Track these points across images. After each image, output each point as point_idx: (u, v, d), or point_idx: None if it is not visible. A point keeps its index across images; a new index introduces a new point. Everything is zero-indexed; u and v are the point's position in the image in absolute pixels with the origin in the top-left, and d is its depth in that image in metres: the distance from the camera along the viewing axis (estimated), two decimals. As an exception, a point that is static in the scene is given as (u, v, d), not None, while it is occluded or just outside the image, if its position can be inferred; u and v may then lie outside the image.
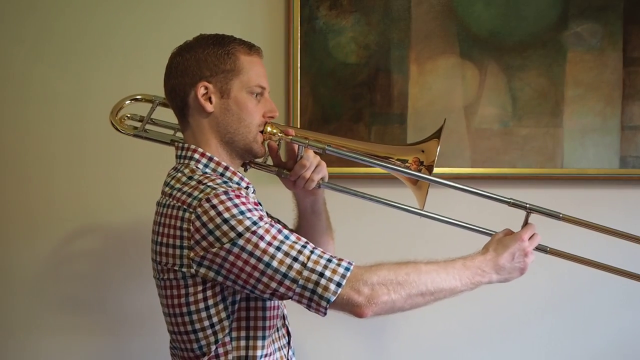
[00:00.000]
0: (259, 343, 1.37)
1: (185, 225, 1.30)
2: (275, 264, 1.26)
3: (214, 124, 1.42)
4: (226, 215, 1.27)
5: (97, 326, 2.13)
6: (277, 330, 1.45)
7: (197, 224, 1.28)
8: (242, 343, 1.36)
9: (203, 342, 1.36)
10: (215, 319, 1.34)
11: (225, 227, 1.27)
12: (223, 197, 1.29)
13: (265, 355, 1.39)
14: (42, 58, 2.08)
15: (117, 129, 1.65)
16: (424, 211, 1.52)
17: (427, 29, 2.04)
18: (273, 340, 1.42)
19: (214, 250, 1.28)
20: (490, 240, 1.46)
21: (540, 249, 1.51)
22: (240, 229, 1.27)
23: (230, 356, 1.35)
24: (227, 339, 1.35)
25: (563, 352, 2.11)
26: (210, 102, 1.41)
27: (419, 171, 1.48)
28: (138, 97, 1.70)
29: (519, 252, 1.42)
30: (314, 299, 1.26)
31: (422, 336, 2.11)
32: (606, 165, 2.05)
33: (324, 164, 1.52)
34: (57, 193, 2.10)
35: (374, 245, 2.07)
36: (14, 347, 2.13)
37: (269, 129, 1.45)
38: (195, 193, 1.31)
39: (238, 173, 1.44)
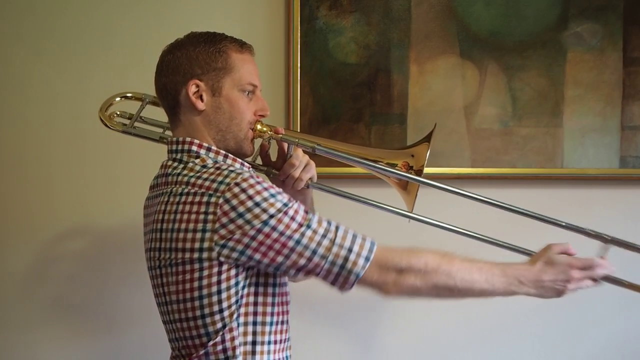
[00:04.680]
0: (267, 328, 1.38)
1: (211, 209, 1.30)
2: (305, 240, 1.30)
3: (206, 121, 1.42)
4: (257, 198, 1.29)
5: (93, 325, 2.12)
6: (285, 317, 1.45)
7: (226, 207, 1.29)
8: (250, 328, 1.36)
9: (210, 329, 1.35)
10: (225, 304, 1.34)
11: (257, 210, 1.28)
12: (252, 181, 1.31)
13: (276, 342, 1.40)
14: (42, 57, 2.08)
15: (105, 124, 1.66)
16: (413, 214, 1.52)
17: (427, 29, 2.04)
18: (284, 330, 1.43)
19: (242, 231, 1.29)
20: (543, 251, 1.42)
21: (614, 280, 1.44)
22: (272, 210, 1.29)
23: (237, 342, 1.35)
24: (235, 324, 1.35)
25: (561, 353, 2.11)
26: (202, 100, 1.41)
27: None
28: (128, 94, 1.71)
29: (564, 275, 1.39)
30: (343, 273, 1.30)
31: (422, 336, 2.11)
32: (606, 165, 2.05)
33: (313, 163, 1.53)
34: (56, 192, 2.10)
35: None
36: (9, 347, 2.13)
37: (259, 127, 1.46)
38: (220, 178, 1.32)
39: (238, 159, 1.44)
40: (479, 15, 2.03)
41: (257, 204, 1.29)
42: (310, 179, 1.53)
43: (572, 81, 2.04)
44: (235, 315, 1.35)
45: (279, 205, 1.30)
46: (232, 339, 1.35)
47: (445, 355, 2.12)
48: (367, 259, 1.31)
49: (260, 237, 1.29)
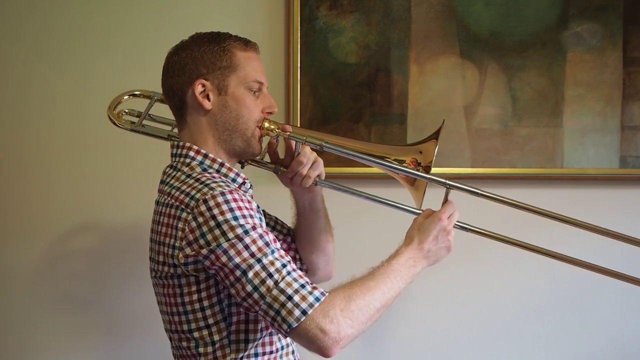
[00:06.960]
0: (259, 341, 1.38)
1: (181, 225, 1.30)
2: (250, 274, 1.25)
3: (212, 121, 1.42)
4: (220, 219, 1.27)
5: (95, 326, 2.13)
6: None
7: (193, 224, 1.29)
8: (242, 346, 1.36)
9: (200, 342, 1.35)
10: (210, 320, 1.34)
11: (217, 231, 1.27)
12: (220, 199, 1.28)
13: (271, 352, 1.39)
14: (42, 58, 2.08)
15: (114, 123, 1.66)
16: (421, 210, 1.52)
17: (427, 29, 2.04)
18: (279, 338, 1.42)
19: (201, 250, 1.28)
20: (412, 227, 1.44)
21: (461, 226, 1.50)
22: (230, 235, 1.27)
23: (229, 358, 1.35)
24: (226, 341, 1.35)
25: (562, 353, 2.11)
26: (208, 99, 1.41)
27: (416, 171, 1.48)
28: (136, 92, 1.70)
29: (441, 232, 1.42)
30: (277, 319, 1.24)
31: (421, 336, 2.11)
32: (606, 165, 2.05)
33: (320, 161, 1.51)
34: (56, 192, 2.10)
35: (373, 244, 2.06)
36: (12, 347, 2.13)
37: (266, 124, 1.45)
38: (193, 193, 1.31)
39: (234, 169, 1.44)
40: (479, 15, 2.03)
41: (218, 225, 1.27)
42: (318, 176, 1.51)
43: (572, 81, 2.03)
44: (225, 333, 1.35)
45: (238, 231, 1.27)
46: (224, 356, 1.35)
47: (445, 356, 2.12)
48: (303, 312, 1.23)
49: (212, 257, 1.27)
